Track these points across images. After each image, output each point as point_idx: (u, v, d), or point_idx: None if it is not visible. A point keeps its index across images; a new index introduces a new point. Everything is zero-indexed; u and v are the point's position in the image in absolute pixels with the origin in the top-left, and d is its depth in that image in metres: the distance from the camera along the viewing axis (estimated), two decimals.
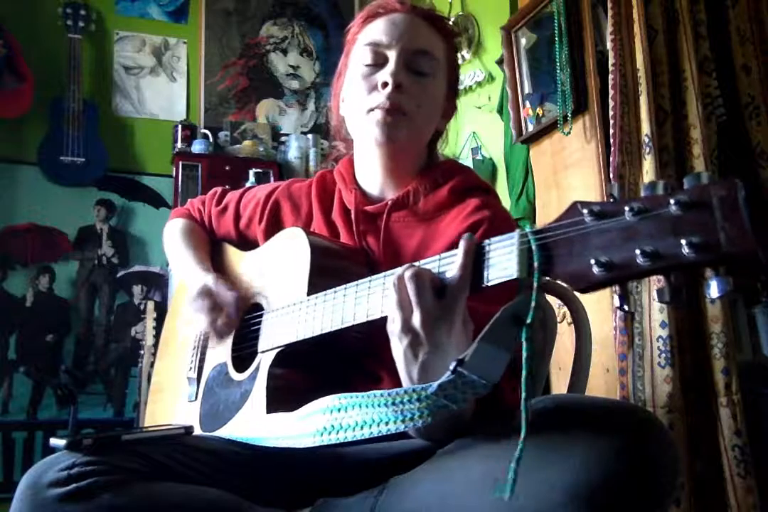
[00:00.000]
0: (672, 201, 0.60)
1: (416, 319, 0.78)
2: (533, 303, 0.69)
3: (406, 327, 0.79)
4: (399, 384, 0.82)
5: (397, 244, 1.10)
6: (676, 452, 0.72)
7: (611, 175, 1.90)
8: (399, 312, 0.79)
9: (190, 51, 3.69)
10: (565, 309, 1.23)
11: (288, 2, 3.90)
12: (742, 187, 0.58)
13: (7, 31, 3.24)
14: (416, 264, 0.82)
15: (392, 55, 1.07)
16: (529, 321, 0.69)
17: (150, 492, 0.83)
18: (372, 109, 1.07)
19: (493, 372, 0.72)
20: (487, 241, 0.77)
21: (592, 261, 0.64)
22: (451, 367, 0.73)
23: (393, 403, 0.77)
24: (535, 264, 0.68)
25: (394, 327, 0.81)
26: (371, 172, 1.16)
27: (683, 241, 0.58)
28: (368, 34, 1.11)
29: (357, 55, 1.12)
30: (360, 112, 1.09)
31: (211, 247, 1.32)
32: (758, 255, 0.56)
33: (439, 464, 0.81)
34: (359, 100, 1.09)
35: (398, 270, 0.81)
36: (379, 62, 1.08)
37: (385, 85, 1.06)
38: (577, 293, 0.72)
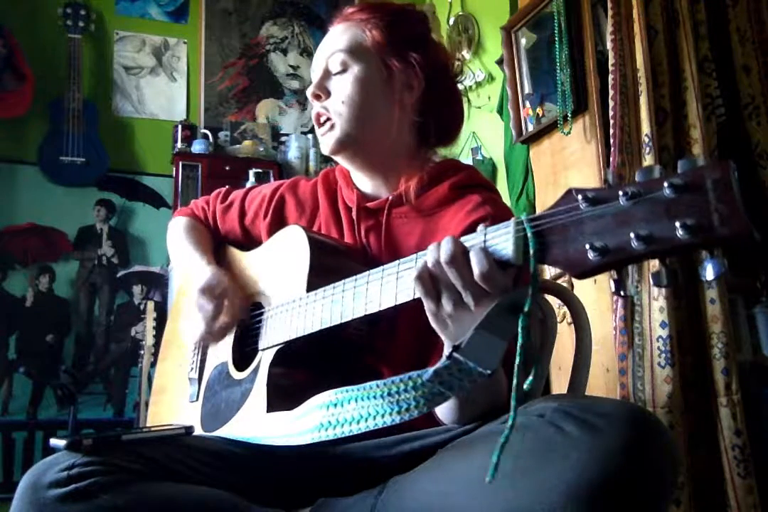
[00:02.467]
0: (666, 184, 0.60)
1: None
2: (531, 291, 0.69)
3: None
4: None
5: (398, 240, 1.10)
6: (676, 452, 0.72)
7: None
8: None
9: (190, 51, 3.69)
10: (565, 309, 1.23)
11: (288, 2, 3.90)
12: (735, 168, 0.58)
13: (7, 31, 3.24)
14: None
15: (314, 75, 1.15)
16: (526, 309, 0.69)
17: (149, 492, 0.83)
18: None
19: (490, 360, 0.72)
20: (482, 229, 0.76)
21: (587, 247, 0.64)
22: (447, 353, 0.73)
23: (389, 394, 0.77)
24: (531, 250, 0.69)
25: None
26: (359, 175, 1.17)
27: (677, 224, 0.58)
28: None
29: None
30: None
31: (213, 242, 1.33)
32: (752, 234, 0.56)
33: (440, 463, 0.81)
34: None
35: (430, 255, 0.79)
36: None
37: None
38: (575, 282, 0.72)
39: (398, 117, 1.11)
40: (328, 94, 1.11)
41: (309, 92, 1.13)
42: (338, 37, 1.13)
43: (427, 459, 0.84)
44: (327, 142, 1.12)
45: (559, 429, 0.71)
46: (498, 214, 1.05)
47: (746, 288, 1.98)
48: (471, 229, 1.00)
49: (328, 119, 1.11)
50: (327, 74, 1.12)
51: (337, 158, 1.15)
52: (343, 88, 1.10)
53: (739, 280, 1.93)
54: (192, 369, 1.22)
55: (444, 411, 0.90)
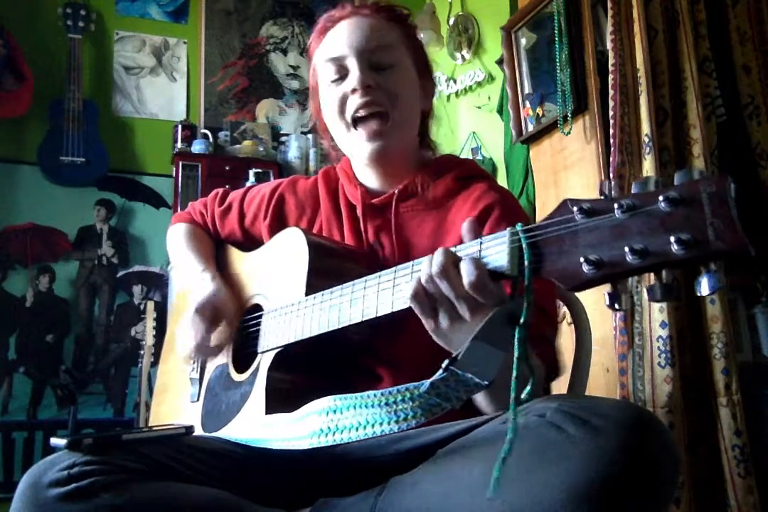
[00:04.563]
0: (661, 197, 0.59)
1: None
2: (526, 303, 0.69)
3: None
4: (399, 383, 0.82)
5: (409, 234, 1.10)
6: (677, 452, 0.72)
7: (611, 175, 1.90)
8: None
9: (190, 51, 3.69)
10: (565, 309, 1.23)
11: (288, 2, 3.91)
12: (731, 182, 0.57)
13: (7, 31, 3.24)
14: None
15: (351, 62, 1.08)
16: (522, 320, 0.69)
17: (150, 492, 0.83)
18: (354, 125, 1.08)
19: (487, 371, 0.71)
20: (478, 240, 0.77)
21: (582, 260, 0.63)
22: (444, 365, 0.73)
23: (386, 404, 0.77)
24: (526, 262, 0.68)
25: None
26: (369, 173, 1.17)
27: (672, 238, 0.58)
28: (325, 50, 1.12)
29: (322, 74, 1.13)
30: (344, 130, 1.10)
31: (214, 250, 1.32)
32: (748, 250, 0.56)
33: (440, 464, 0.81)
34: (337, 117, 1.10)
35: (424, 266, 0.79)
36: (343, 74, 1.09)
37: (354, 91, 1.07)
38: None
39: (418, 122, 1.15)
40: (377, 87, 1.07)
41: (357, 82, 1.06)
42: (377, 29, 1.10)
43: (426, 457, 0.84)
44: (387, 134, 1.06)
45: (559, 430, 0.71)
46: (505, 199, 1.07)
47: (746, 288, 1.98)
48: (482, 215, 1.03)
49: (385, 114, 1.06)
50: (371, 67, 1.08)
51: (380, 160, 1.10)
52: (395, 85, 1.08)
53: (739, 280, 1.93)
54: (193, 369, 1.22)
55: (483, 403, 0.90)
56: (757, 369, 1.88)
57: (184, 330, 1.13)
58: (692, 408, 1.75)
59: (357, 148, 1.10)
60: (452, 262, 0.76)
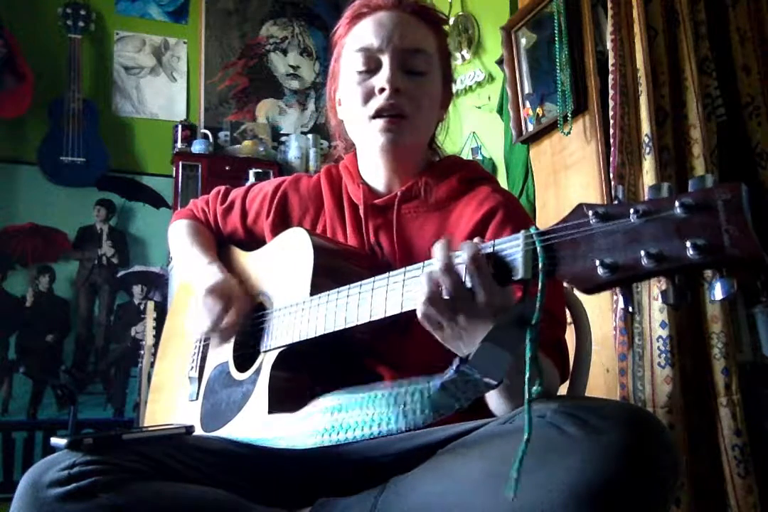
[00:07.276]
0: (677, 203, 0.60)
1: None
2: (538, 305, 0.69)
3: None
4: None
5: (411, 235, 1.10)
6: (676, 452, 0.72)
7: (611, 175, 1.90)
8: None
9: (190, 51, 3.69)
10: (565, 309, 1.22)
11: (288, 2, 3.91)
12: (746, 190, 0.58)
13: (7, 31, 3.24)
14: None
15: (385, 59, 1.06)
16: (534, 322, 0.69)
17: (150, 492, 0.83)
18: (374, 117, 1.06)
19: (496, 372, 0.72)
20: (490, 242, 0.77)
21: (597, 263, 0.64)
22: (454, 366, 0.73)
23: (394, 403, 0.77)
24: (540, 265, 0.69)
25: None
26: (375, 170, 1.16)
27: (688, 243, 0.59)
28: (357, 38, 1.10)
29: (349, 61, 1.11)
30: (361, 120, 1.09)
31: (217, 245, 1.31)
32: (762, 257, 0.57)
33: (440, 463, 0.81)
34: (358, 108, 1.09)
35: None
36: (372, 67, 1.08)
37: (382, 90, 1.05)
38: (579, 293, 0.72)
39: (432, 130, 1.17)
40: (405, 91, 1.06)
41: (388, 84, 1.04)
42: (417, 32, 1.09)
43: (426, 458, 0.84)
44: (403, 132, 1.06)
45: (559, 430, 0.71)
46: (508, 202, 1.07)
47: (746, 288, 1.98)
48: (485, 218, 1.03)
49: (405, 116, 1.07)
50: (403, 68, 1.07)
51: (391, 153, 1.10)
52: (422, 93, 1.08)
53: (738, 280, 1.93)
54: (192, 367, 1.22)
55: (493, 403, 0.90)
56: (757, 369, 1.88)
57: (196, 313, 1.12)
58: (692, 408, 1.75)
59: (371, 138, 1.09)
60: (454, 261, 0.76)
